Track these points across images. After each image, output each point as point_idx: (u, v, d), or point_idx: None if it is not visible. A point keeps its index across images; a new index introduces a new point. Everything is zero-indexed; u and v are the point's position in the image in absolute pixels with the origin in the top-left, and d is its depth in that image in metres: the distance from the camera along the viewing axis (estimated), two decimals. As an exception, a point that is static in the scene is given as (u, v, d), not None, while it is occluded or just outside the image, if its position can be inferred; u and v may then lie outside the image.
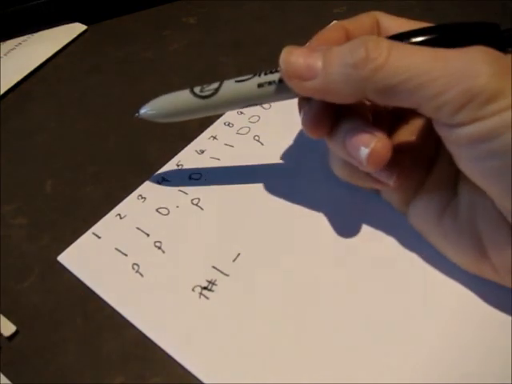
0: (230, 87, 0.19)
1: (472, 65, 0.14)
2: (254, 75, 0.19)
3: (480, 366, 0.17)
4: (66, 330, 0.19)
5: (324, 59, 0.16)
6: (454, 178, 0.19)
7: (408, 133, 0.20)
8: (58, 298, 0.20)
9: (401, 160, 0.18)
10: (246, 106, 0.20)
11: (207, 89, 0.19)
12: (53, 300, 0.20)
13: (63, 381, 0.18)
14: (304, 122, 0.18)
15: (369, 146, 0.16)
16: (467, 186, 0.18)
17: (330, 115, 0.18)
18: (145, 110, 0.21)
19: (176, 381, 0.18)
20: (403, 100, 0.15)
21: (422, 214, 0.19)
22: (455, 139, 0.15)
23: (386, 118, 0.21)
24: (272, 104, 0.28)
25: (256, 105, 0.20)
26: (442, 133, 0.16)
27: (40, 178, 0.26)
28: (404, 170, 0.18)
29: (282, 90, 0.18)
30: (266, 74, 0.19)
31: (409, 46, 0.15)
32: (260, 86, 0.19)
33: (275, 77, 0.18)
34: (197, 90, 0.20)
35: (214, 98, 0.19)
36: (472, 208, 0.18)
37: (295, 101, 0.28)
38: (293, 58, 0.17)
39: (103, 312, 0.20)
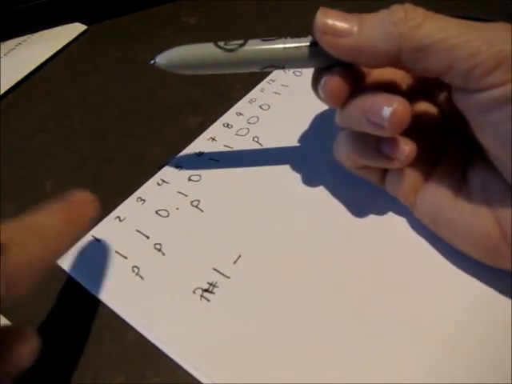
0: (256, 45, 0.19)
1: (502, 32, 0.15)
2: (281, 37, 0.19)
3: (481, 365, 0.17)
4: (67, 330, 0.19)
5: (360, 20, 0.17)
6: (464, 165, 0.19)
7: (418, 119, 0.21)
8: (57, 297, 0.20)
9: (412, 140, 0.19)
10: (267, 68, 0.19)
11: (232, 43, 0.19)
12: (53, 300, 0.20)
13: (63, 381, 0.18)
14: (325, 89, 0.19)
15: (392, 105, 0.17)
16: (477, 170, 0.19)
17: (350, 82, 0.18)
18: (161, 58, 0.20)
19: (176, 381, 0.18)
20: (436, 61, 0.16)
21: (432, 202, 0.19)
22: (481, 103, 0.16)
23: None
24: (271, 105, 0.28)
25: (277, 68, 0.19)
26: (466, 100, 0.17)
27: (40, 178, 0.26)
28: (415, 148, 0.18)
29: (308, 55, 0.18)
30: (292, 37, 0.19)
31: (442, 15, 0.16)
32: (286, 48, 0.19)
33: (303, 41, 0.18)
34: (221, 43, 0.19)
35: (237, 53, 0.19)
36: (485, 191, 0.18)
37: (294, 102, 0.28)
38: (329, 17, 0.17)
39: (103, 312, 0.20)
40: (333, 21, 0.17)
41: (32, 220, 0.17)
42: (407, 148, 0.18)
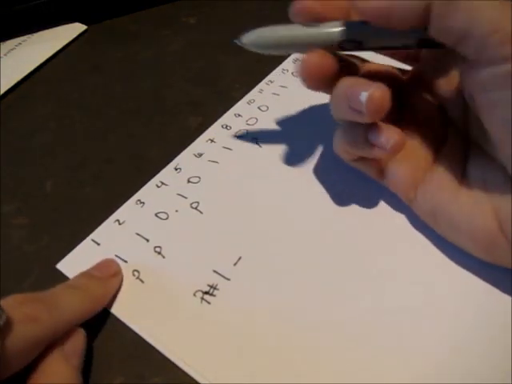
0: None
1: None
2: None
3: (481, 365, 0.17)
4: (67, 332, 0.20)
5: None
6: (463, 159, 0.20)
7: (418, 113, 0.21)
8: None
9: (412, 134, 0.19)
10: (346, 44, 0.19)
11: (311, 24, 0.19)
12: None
13: (64, 381, 0.18)
14: (301, 69, 0.19)
15: (368, 90, 0.17)
16: (477, 163, 0.19)
17: (327, 64, 0.18)
18: (247, 37, 0.20)
19: (176, 381, 0.18)
20: (459, 20, 0.15)
21: (432, 197, 0.19)
22: (493, 79, 0.16)
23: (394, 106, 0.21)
24: (269, 106, 0.28)
25: (355, 45, 0.19)
26: (477, 77, 0.16)
27: (40, 178, 0.26)
28: (403, 138, 0.18)
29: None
30: None
31: None
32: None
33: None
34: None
35: (316, 29, 0.19)
36: (485, 184, 0.18)
37: (293, 103, 0.28)
38: None
39: (103, 312, 0.20)
40: None
41: (52, 295, 0.18)
42: (394, 137, 0.18)
